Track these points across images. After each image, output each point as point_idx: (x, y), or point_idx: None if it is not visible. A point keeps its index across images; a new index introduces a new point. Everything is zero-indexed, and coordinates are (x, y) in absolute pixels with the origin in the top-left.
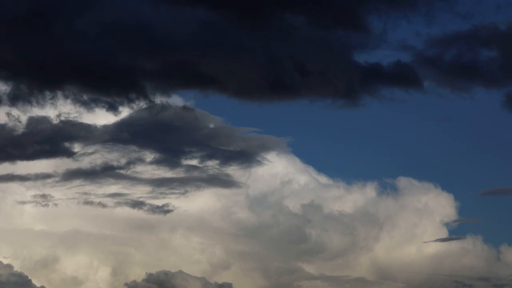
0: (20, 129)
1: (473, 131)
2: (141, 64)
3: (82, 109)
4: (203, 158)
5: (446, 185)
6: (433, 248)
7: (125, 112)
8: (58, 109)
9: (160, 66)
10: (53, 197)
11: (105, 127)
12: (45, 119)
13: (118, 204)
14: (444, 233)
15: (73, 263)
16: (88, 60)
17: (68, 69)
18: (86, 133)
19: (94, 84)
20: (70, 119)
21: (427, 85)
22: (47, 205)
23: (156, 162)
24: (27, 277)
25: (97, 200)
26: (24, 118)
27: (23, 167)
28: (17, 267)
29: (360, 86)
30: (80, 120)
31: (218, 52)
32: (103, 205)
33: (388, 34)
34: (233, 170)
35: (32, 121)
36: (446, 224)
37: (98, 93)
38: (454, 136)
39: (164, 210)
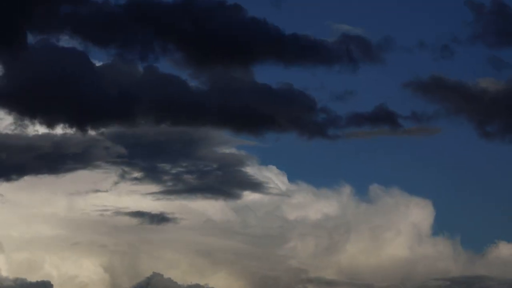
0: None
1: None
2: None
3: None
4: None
5: (420, 192)
6: (408, 252)
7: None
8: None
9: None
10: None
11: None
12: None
13: (116, 214)
14: (419, 238)
15: (60, 268)
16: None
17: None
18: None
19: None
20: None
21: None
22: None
23: (143, 177)
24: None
25: (93, 213)
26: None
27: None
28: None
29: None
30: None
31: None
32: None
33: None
34: (215, 182)
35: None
36: (422, 229)
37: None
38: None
39: (160, 219)
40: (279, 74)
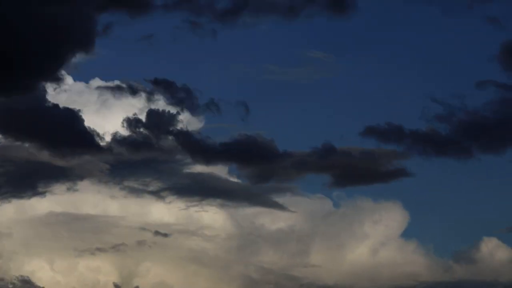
0: None
1: None
2: None
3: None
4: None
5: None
6: (381, 257)
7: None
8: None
9: None
10: None
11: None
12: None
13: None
14: (392, 243)
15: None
16: None
17: None
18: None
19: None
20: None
21: None
22: None
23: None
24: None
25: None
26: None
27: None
28: None
29: None
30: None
31: None
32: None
33: None
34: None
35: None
36: (395, 234)
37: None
38: None
39: (161, 234)
40: None
